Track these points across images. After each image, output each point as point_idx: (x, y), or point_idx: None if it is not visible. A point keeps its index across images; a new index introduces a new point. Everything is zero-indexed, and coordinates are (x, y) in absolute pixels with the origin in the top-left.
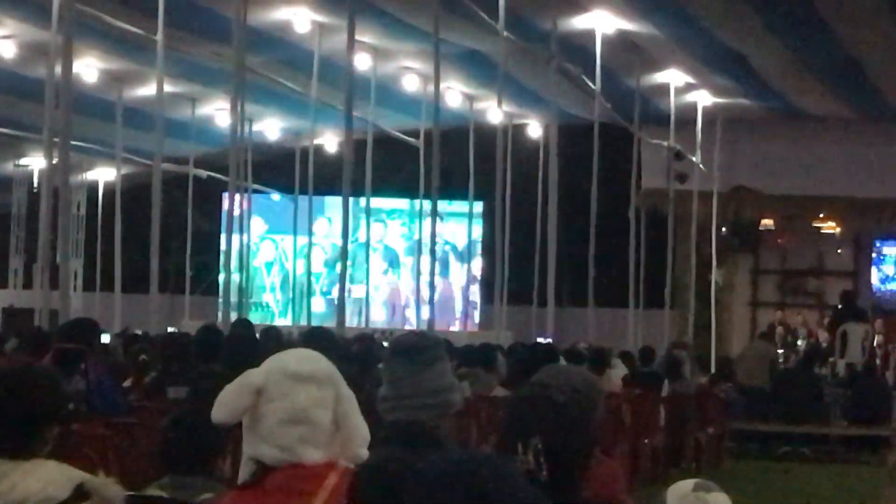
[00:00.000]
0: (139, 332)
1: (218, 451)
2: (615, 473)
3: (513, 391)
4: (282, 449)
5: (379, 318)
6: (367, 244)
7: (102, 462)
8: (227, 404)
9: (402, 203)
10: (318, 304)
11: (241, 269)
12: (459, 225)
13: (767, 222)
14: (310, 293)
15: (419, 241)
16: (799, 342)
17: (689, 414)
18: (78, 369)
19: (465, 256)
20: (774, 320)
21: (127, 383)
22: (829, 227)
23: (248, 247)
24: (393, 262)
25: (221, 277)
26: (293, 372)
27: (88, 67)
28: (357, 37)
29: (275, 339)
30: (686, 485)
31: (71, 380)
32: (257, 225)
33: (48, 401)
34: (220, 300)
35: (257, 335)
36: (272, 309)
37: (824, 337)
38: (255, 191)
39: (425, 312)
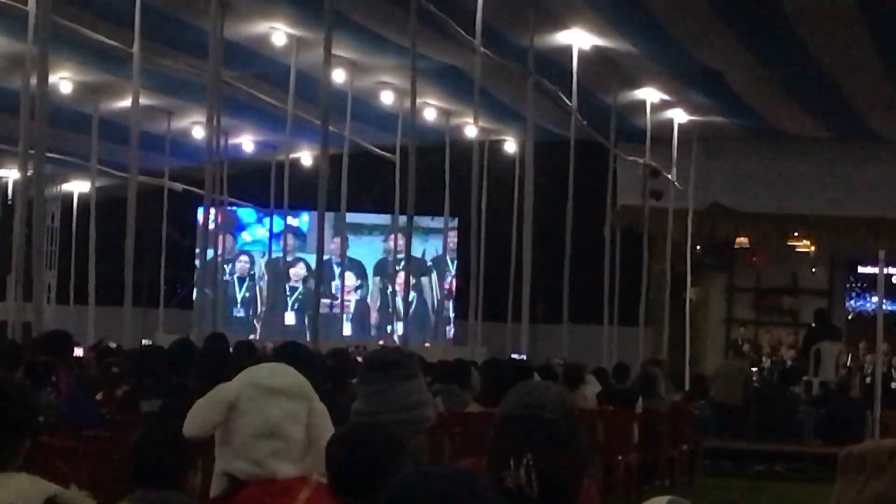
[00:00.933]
0: (113, 345)
1: (189, 465)
2: (590, 490)
3: (490, 408)
4: (254, 463)
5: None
6: (343, 259)
7: (74, 475)
8: (198, 418)
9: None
10: (290, 319)
11: (215, 283)
12: (436, 240)
13: (742, 240)
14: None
15: (394, 257)
16: (763, 360)
17: (663, 431)
18: (49, 381)
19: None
20: (741, 338)
21: (99, 396)
22: (804, 245)
23: (223, 261)
24: (361, 276)
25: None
26: (266, 386)
27: (64, 79)
28: (334, 51)
29: (248, 354)
30: (659, 501)
31: (42, 392)
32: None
33: (20, 413)
34: (194, 314)
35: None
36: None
37: (790, 355)
38: (231, 204)
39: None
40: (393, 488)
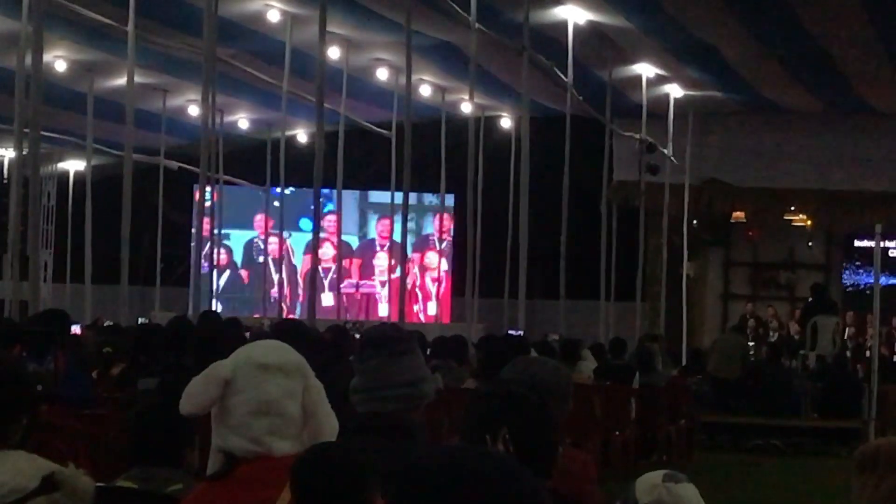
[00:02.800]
0: (109, 322)
1: (186, 442)
2: (587, 466)
3: (482, 383)
4: (251, 441)
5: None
6: (339, 236)
7: (72, 453)
8: (195, 396)
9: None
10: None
11: (212, 262)
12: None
13: (739, 215)
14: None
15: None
16: (771, 334)
17: (661, 406)
18: (49, 351)
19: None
20: (746, 312)
21: (95, 375)
22: (801, 220)
23: (220, 237)
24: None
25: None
26: (261, 363)
27: (59, 58)
28: (329, 28)
29: (235, 330)
30: (655, 476)
31: (43, 361)
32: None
33: (15, 392)
34: (190, 291)
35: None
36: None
37: (795, 329)
38: (227, 182)
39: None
40: (416, 466)
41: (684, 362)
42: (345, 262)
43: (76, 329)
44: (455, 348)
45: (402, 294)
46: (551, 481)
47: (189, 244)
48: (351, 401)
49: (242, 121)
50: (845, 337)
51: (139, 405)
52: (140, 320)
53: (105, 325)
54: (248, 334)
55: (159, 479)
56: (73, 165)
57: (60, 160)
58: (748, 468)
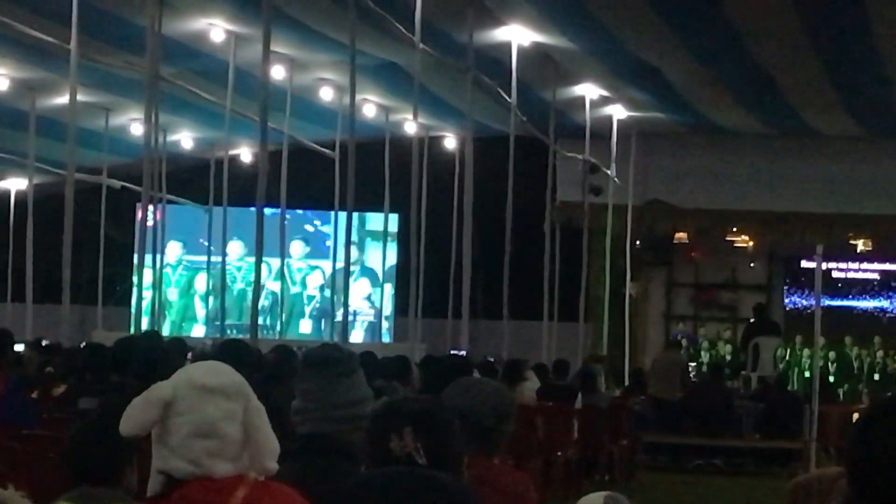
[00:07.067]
0: (49, 342)
1: (125, 461)
2: (528, 487)
3: None
4: (191, 462)
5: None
6: (283, 258)
7: (12, 475)
8: (134, 417)
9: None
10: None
11: (155, 283)
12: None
13: (681, 236)
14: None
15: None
16: (702, 355)
17: (603, 427)
18: None
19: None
20: (679, 332)
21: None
22: (743, 241)
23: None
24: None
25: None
26: (201, 384)
27: (1, 76)
28: (273, 47)
29: (180, 351)
30: (596, 497)
31: None
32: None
33: None
34: (133, 311)
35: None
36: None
37: (727, 350)
38: (169, 201)
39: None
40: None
41: (627, 383)
42: None
43: (19, 348)
44: (398, 369)
45: (346, 313)
46: (490, 501)
47: (132, 263)
48: (292, 422)
49: (186, 140)
50: (786, 357)
51: (75, 425)
52: (86, 341)
53: (46, 344)
54: (189, 354)
55: (99, 498)
56: (15, 184)
57: (2, 179)
58: (690, 488)
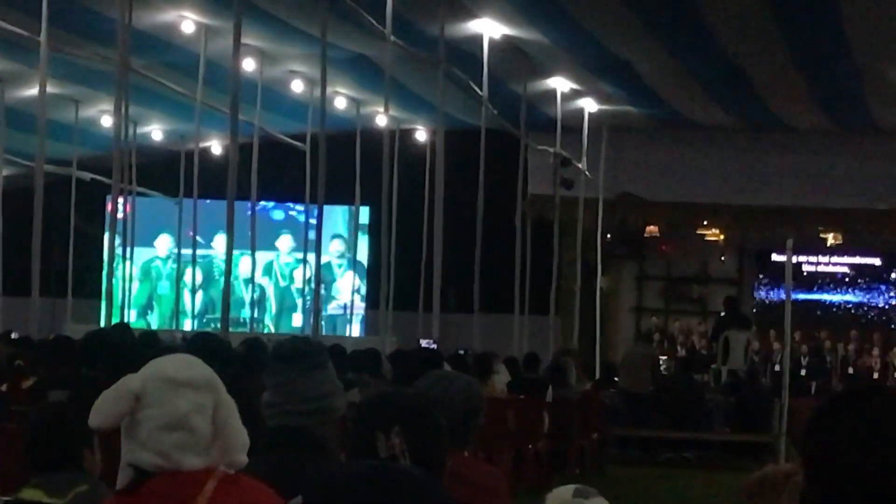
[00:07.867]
0: (18, 335)
1: (84, 444)
2: (498, 480)
3: None
4: (160, 455)
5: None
6: (253, 251)
7: None
8: (103, 410)
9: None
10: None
11: (124, 273)
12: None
13: (652, 229)
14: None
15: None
16: (678, 349)
17: (573, 420)
18: None
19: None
20: (651, 326)
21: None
22: (713, 234)
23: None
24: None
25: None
26: (171, 378)
27: None
28: (243, 40)
29: (150, 345)
30: (566, 490)
31: None
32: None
33: None
34: (104, 303)
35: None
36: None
37: (702, 344)
38: (140, 194)
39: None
40: (333, 480)
41: (597, 376)
42: None
43: None
44: (369, 362)
45: (316, 305)
46: (460, 495)
47: (101, 256)
48: (264, 415)
49: (156, 132)
50: (757, 351)
51: (33, 415)
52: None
53: (15, 337)
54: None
55: (62, 482)
56: None
57: None
58: (660, 481)
